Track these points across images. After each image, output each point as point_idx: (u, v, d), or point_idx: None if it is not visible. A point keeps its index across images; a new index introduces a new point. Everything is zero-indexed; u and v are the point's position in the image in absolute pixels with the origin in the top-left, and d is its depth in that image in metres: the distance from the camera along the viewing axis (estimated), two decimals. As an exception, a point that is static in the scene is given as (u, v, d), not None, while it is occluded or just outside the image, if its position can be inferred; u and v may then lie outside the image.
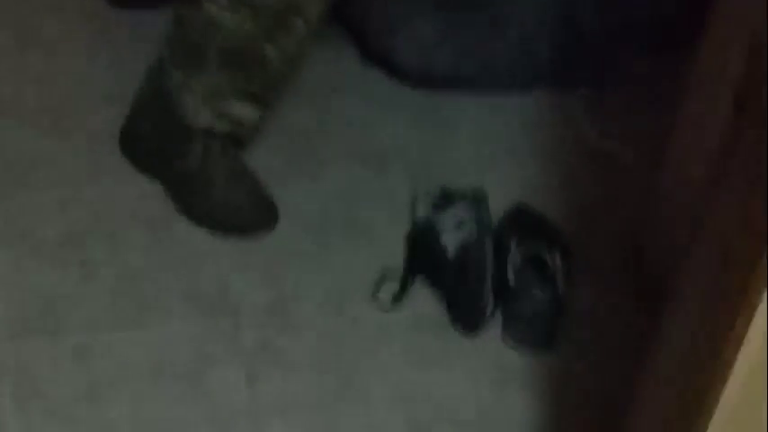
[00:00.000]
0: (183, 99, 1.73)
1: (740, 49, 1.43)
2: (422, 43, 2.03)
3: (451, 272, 1.71)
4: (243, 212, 1.79)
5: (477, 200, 1.79)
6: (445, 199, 1.80)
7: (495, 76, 2.08)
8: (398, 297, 1.73)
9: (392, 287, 1.73)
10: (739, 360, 0.96)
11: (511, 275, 1.71)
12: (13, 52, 2.00)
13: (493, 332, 1.70)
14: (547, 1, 2.05)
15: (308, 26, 1.67)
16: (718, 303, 0.99)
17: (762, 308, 0.92)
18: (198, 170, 1.77)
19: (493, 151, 1.99)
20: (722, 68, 1.51)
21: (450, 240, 1.74)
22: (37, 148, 1.85)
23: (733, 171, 1.01)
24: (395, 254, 1.78)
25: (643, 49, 2.16)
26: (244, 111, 1.74)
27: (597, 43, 2.10)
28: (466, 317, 1.70)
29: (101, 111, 1.91)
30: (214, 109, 1.73)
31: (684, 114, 1.69)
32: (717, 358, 0.98)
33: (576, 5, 2.07)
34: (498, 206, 1.82)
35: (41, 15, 2.07)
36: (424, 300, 1.74)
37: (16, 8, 2.07)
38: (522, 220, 1.81)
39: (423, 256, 1.76)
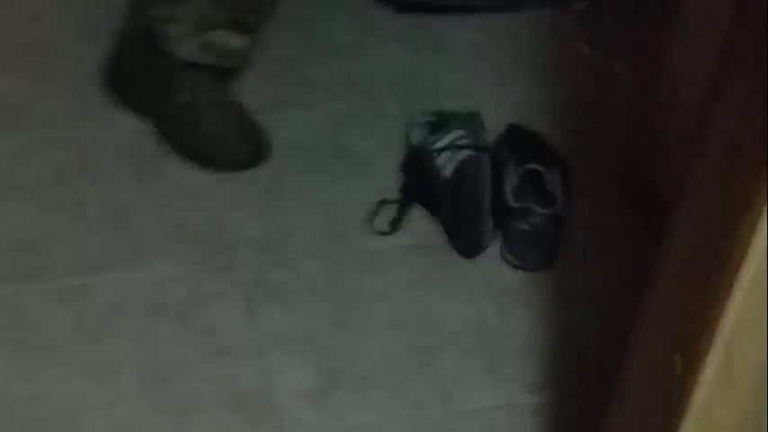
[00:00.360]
0: (168, 32, 1.69)
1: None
2: None
3: (448, 195, 1.68)
4: (234, 146, 1.75)
5: (472, 121, 1.76)
6: (439, 122, 1.77)
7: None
8: (396, 223, 1.70)
9: (389, 214, 1.71)
10: (745, 263, 0.93)
11: (509, 195, 1.68)
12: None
13: (493, 253, 1.68)
14: None
15: None
16: (721, 207, 0.97)
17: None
18: (187, 105, 1.74)
19: (486, 72, 1.95)
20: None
21: (446, 163, 1.70)
22: (21, 91, 1.81)
23: (732, 81, 0.97)
24: (391, 181, 1.75)
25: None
26: (231, 40, 1.70)
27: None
28: (465, 240, 1.67)
29: (85, 50, 1.87)
30: (200, 40, 1.69)
31: (682, 25, 1.64)
32: (722, 263, 0.95)
33: None
34: (494, 127, 1.78)
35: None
36: (422, 225, 1.71)
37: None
38: (518, 140, 1.77)
39: (419, 181, 1.73)
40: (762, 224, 0.90)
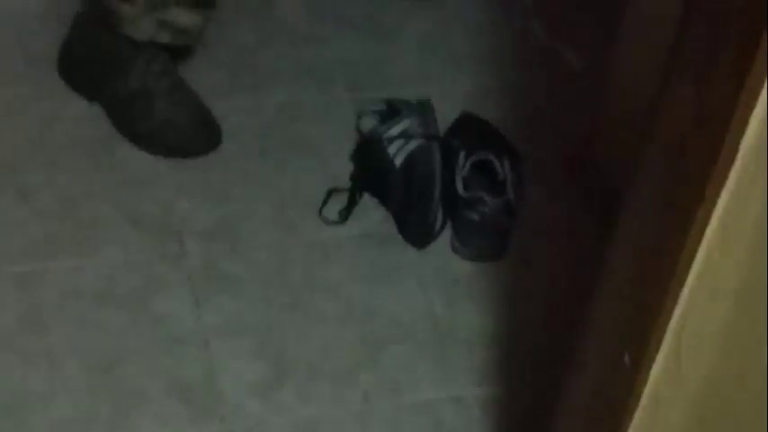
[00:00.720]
0: (122, 11, 1.67)
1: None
2: None
3: (399, 184, 1.68)
4: (185, 132, 1.74)
5: (424, 110, 1.76)
6: (390, 111, 1.77)
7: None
8: (346, 213, 1.69)
9: (340, 203, 1.70)
10: (694, 253, 0.93)
11: (459, 184, 1.67)
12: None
13: (443, 243, 1.68)
14: None
15: None
16: (670, 194, 0.97)
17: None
18: (139, 90, 1.72)
19: (437, 59, 1.95)
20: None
21: (397, 152, 1.70)
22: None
23: (682, 66, 0.97)
24: (342, 169, 1.75)
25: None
26: (185, 17, 1.69)
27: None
28: (414, 229, 1.67)
29: (38, 33, 1.85)
30: (155, 18, 1.67)
31: (632, 14, 1.65)
32: (671, 252, 0.95)
33: None
34: (445, 116, 1.78)
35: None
36: (372, 214, 1.71)
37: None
38: (470, 128, 1.77)
39: (370, 170, 1.73)
40: (713, 212, 0.90)
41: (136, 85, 1.72)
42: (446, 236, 1.68)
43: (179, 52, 1.75)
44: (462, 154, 1.69)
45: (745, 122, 0.84)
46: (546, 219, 1.74)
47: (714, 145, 0.87)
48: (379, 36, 1.97)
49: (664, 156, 1.01)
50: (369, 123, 1.78)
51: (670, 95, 1.01)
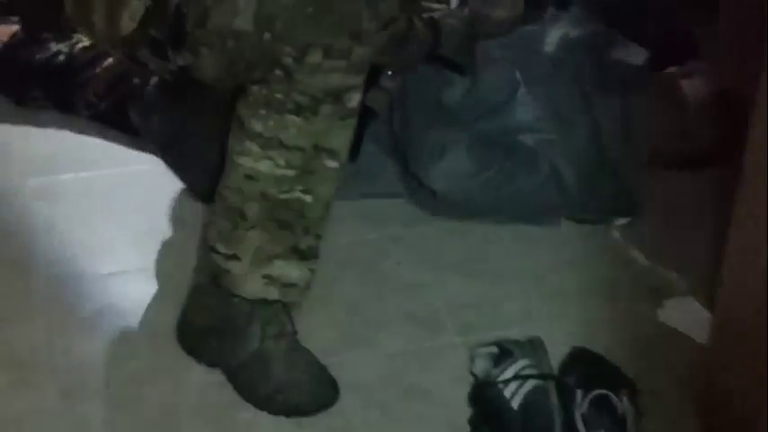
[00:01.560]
0: (230, 271, 1.74)
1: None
2: (459, 173, 2.08)
3: (519, 428, 1.69)
4: (304, 392, 1.78)
5: (535, 349, 1.78)
6: (503, 352, 1.79)
7: (526, 209, 2.13)
8: (469, 459, 1.71)
9: (462, 450, 1.72)
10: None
11: (580, 425, 1.67)
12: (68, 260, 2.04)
13: (569, 485, 1.67)
14: (580, 140, 2.09)
15: (339, 163, 1.69)
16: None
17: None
18: (256, 353, 1.78)
19: (543, 295, 1.99)
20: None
21: (514, 395, 1.72)
22: (98, 352, 1.85)
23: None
24: (460, 414, 1.76)
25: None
26: (292, 270, 1.75)
27: (630, 177, 2.13)
28: (539, 473, 1.67)
29: (158, 308, 1.94)
30: (262, 274, 1.74)
31: (735, 235, 1.66)
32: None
33: (607, 142, 2.11)
34: (557, 352, 1.80)
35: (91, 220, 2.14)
36: (495, 459, 1.72)
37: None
38: (583, 365, 1.79)
39: (487, 414, 1.74)
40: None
41: (253, 350, 1.78)
42: (571, 475, 1.68)
43: (289, 309, 1.81)
44: (579, 392, 1.70)
45: None
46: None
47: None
48: (483, 277, 2.02)
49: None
50: (482, 366, 1.80)
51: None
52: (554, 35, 2.18)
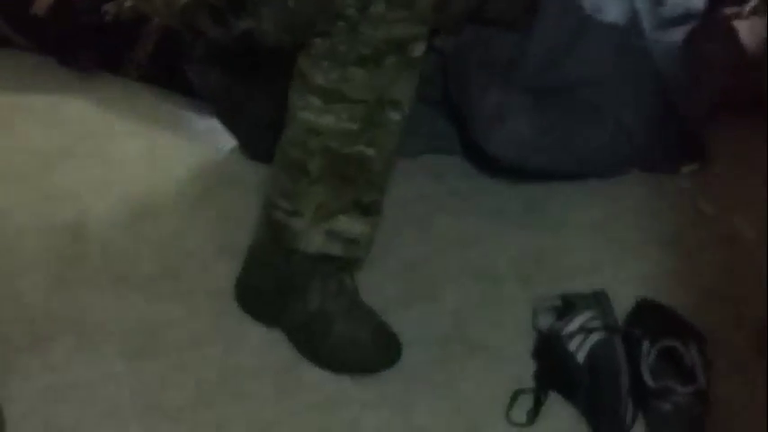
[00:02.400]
0: (292, 227, 1.72)
1: None
2: (520, 140, 2.02)
3: (585, 381, 1.66)
4: (366, 350, 1.76)
5: (600, 302, 1.76)
6: (566, 306, 1.77)
7: (592, 166, 2.07)
8: (534, 414, 1.68)
9: (526, 405, 1.69)
10: None
11: (647, 376, 1.65)
12: (126, 222, 2.04)
13: (638, 437, 1.65)
14: (641, 88, 2.04)
15: (402, 115, 1.67)
16: None
17: None
18: (317, 311, 1.76)
19: (606, 247, 1.95)
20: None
21: (579, 348, 1.69)
22: (157, 313, 1.85)
23: None
24: (524, 369, 1.74)
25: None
26: (355, 226, 1.73)
27: (695, 121, 2.07)
28: (608, 426, 1.65)
29: (216, 267, 1.92)
30: (325, 229, 1.72)
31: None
32: None
33: (669, 87, 2.05)
34: (623, 304, 1.78)
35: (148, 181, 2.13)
36: (560, 413, 1.69)
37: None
38: (650, 316, 1.76)
39: (552, 369, 1.72)
40: None
41: (313, 308, 1.76)
42: (639, 427, 1.65)
43: (351, 265, 1.79)
44: (646, 343, 1.67)
45: None
46: (738, 402, 1.69)
47: None
48: (545, 228, 1.99)
49: None
50: (546, 320, 1.78)
51: None
52: None
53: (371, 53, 1.60)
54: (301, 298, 1.76)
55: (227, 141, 2.15)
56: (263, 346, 1.80)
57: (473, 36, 2.04)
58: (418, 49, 1.63)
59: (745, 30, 2.28)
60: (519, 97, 2.03)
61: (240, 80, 2.02)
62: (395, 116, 1.66)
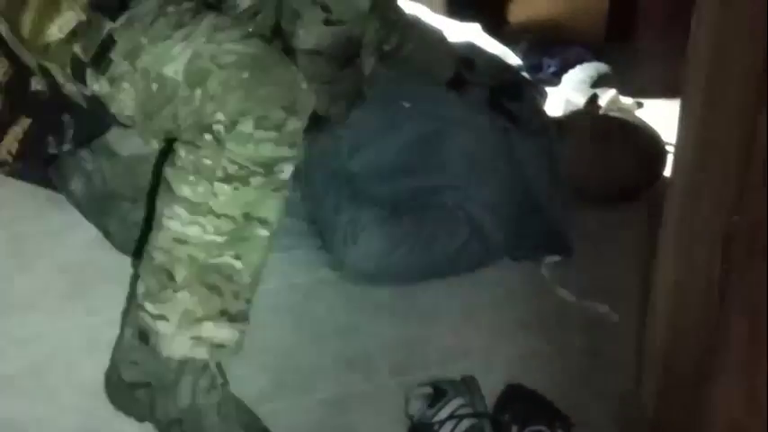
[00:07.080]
0: (158, 330, 1.71)
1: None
2: (376, 252, 2.07)
3: (457, 467, 1.68)
4: (238, 444, 1.76)
5: (470, 387, 1.78)
6: (438, 393, 1.78)
7: (450, 268, 2.12)
8: (408, 503, 1.69)
9: (400, 493, 1.70)
10: None
11: (516, 460, 1.68)
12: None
13: None
14: (499, 190, 2.11)
15: (270, 231, 1.67)
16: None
17: None
18: (188, 408, 1.74)
19: (476, 331, 1.99)
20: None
21: (450, 435, 1.71)
22: (25, 413, 1.81)
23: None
24: (397, 457, 1.76)
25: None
26: (222, 332, 1.72)
27: (555, 213, 2.15)
28: None
29: (85, 363, 1.89)
30: (191, 335, 1.71)
31: (662, 264, 1.67)
32: None
33: (527, 185, 2.14)
34: (491, 389, 1.80)
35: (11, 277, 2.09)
36: (434, 501, 1.70)
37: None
38: (518, 401, 1.78)
39: (425, 455, 1.73)
40: None
41: (184, 405, 1.73)
42: None
43: (220, 363, 1.78)
44: (515, 428, 1.70)
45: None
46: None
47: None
48: (415, 316, 2.02)
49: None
50: (417, 407, 1.79)
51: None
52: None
53: (238, 171, 1.61)
54: (172, 394, 1.74)
55: (94, 233, 2.14)
56: (136, 442, 1.78)
57: (318, 150, 2.07)
58: (286, 171, 1.64)
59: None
60: (371, 210, 2.08)
61: (107, 185, 2.01)
62: (262, 232, 1.66)
